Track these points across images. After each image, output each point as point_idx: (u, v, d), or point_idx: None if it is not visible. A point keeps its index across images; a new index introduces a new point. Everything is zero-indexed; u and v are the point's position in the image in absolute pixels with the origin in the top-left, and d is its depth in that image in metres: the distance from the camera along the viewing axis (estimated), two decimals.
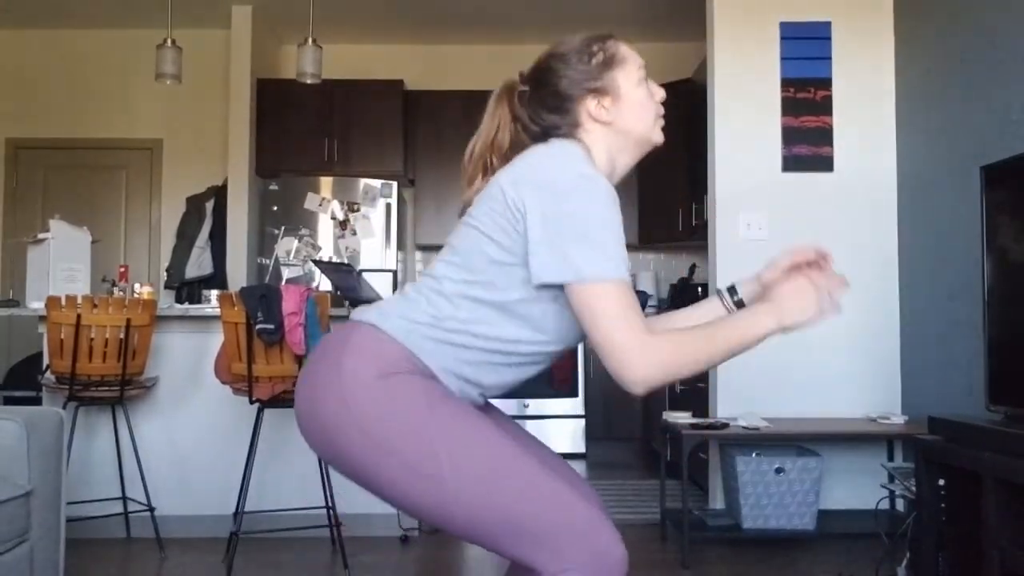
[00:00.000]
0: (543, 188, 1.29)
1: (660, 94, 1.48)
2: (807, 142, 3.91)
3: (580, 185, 1.28)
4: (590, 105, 1.41)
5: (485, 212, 1.34)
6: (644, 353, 1.24)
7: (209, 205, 5.89)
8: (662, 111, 1.48)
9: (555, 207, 1.27)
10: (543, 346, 1.39)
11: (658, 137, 1.47)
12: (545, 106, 1.43)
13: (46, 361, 3.45)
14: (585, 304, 1.27)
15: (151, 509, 3.42)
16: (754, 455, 3.46)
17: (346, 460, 1.35)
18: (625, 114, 1.43)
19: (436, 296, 1.37)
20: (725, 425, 3.38)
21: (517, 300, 1.34)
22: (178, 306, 3.89)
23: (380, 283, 5.28)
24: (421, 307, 1.36)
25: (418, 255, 6.48)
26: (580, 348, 5.70)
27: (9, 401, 5.21)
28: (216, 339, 3.54)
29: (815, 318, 1.39)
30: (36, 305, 3.53)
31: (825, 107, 3.91)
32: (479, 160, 1.46)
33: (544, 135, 1.43)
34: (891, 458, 3.79)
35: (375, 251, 5.65)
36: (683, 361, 1.28)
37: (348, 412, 1.31)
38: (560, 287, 1.29)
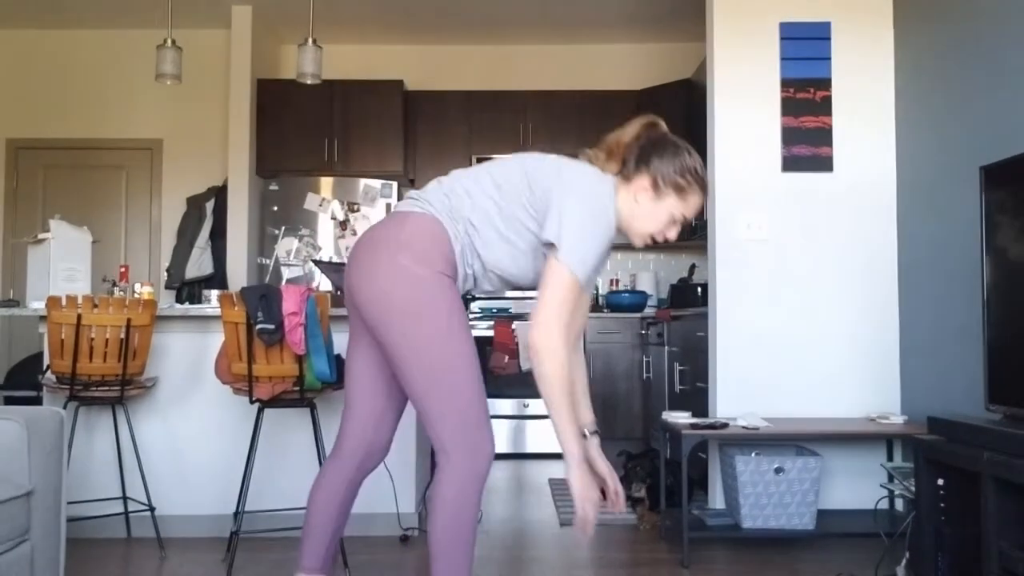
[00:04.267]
0: (581, 193, 1.95)
1: (671, 234, 2.06)
2: (807, 142, 3.91)
3: (599, 206, 1.96)
4: (647, 183, 2.01)
5: (541, 187, 1.95)
6: (552, 338, 1.90)
7: (209, 205, 5.89)
8: (655, 238, 2.07)
9: (579, 207, 1.92)
10: (503, 268, 2.04)
11: (636, 241, 2.08)
12: (641, 151, 2.03)
13: (46, 361, 3.46)
14: (550, 270, 1.92)
15: (151, 509, 3.43)
16: (753, 455, 3.46)
17: (382, 319, 1.94)
18: (644, 210, 2.02)
19: (467, 200, 1.99)
20: (725, 425, 3.39)
21: (516, 240, 2.00)
22: (178, 306, 3.89)
23: None
24: (460, 208, 1.99)
25: None
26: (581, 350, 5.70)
27: (10, 401, 5.22)
28: (216, 339, 3.54)
29: (576, 494, 1.93)
30: (36, 305, 3.53)
31: (825, 107, 3.92)
32: (608, 145, 2.08)
33: (625, 159, 2.05)
34: (890, 458, 3.79)
35: None
36: (551, 376, 1.93)
37: (399, 293, 1.92)
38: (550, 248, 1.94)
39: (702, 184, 2.03)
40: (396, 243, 1.94)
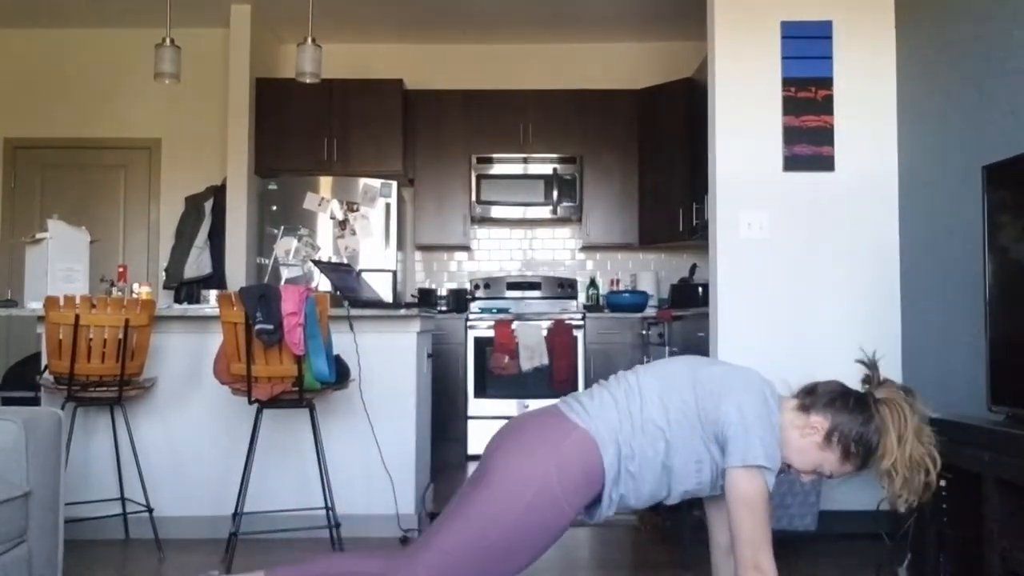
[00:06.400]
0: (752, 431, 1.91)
1: (804, 478, 2.04)
2: (808, 141, 3.90)
3: (765, 442, 1.90)
4: (823, 427, 1.97)
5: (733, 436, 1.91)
6: None
7: (208, 205, 5.87)
8: (813, 476, 2.04)
9: (753, 409, 1.93)
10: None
11: (795, 468, 2.02)
12: (835, 397, 2.01)
13: (44, 361, 3.44)
14: (736, 487, 1.88)
15: (150, 510, 3.41)
16: None
17: (482, 488, 1.94)
18: (802, 446, 1.98)
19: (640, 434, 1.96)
20: None
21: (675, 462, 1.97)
22: (177, 306, 3.88)
23: (380, 283, 5.27)
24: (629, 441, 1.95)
25: (418, 255, 6.47)
26: (580, 351, 5.69)
27: (7, 402, 5.19)
28: (215, 339, 3.53)
29: None
30: (34, 305, 3.52)
31: (826, 106, 3.90)
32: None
33: (814, 393, 2.05)
34: None
35: (375, 251, 5.64)
36: None
37: (528, 489, 1.89)
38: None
39: (866, 463, 1.97)
40: (556, 452, 1.92)
